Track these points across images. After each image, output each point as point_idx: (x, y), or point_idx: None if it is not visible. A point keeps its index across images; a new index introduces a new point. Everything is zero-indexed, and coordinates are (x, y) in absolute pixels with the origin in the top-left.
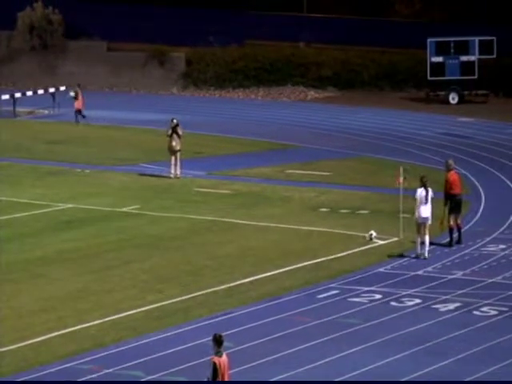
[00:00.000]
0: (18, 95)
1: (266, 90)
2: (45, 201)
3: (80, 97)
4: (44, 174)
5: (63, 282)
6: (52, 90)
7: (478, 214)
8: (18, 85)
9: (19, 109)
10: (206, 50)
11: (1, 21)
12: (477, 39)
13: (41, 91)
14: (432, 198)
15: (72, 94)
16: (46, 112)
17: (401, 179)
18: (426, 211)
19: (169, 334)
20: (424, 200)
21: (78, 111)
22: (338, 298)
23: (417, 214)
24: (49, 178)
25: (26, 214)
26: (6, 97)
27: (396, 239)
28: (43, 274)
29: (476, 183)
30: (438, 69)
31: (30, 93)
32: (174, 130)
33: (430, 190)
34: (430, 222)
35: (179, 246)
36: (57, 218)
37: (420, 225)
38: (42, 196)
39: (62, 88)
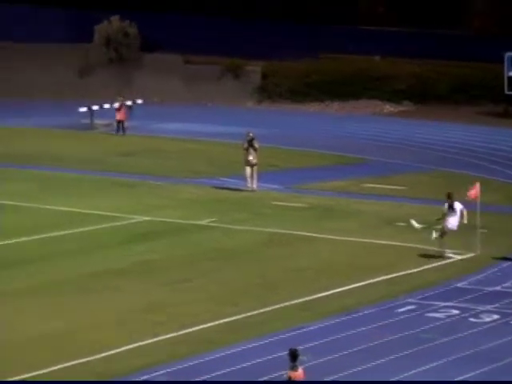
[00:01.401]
0: (95, 108)
1: (341, 104)
2: (120, 213)
3: (123, 108)
4: (119, 186)
5: (138, 295)
6: (128, 102)
7: None
8: (94, 97)
9: (96, 121)
10: (281, 64)
11: (78, 34)
12: None
13: (117, 104)
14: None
15: (116, 104)
16: (128, 124)
17: (473, 192)
18: (453, 222)
19: (244, 347)
20: (451, 212)
21: (120, 122)
22: (415, 313)
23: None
24: (124, 191)
25: (102, 226)
26: (83, 109)
27: (473, 254)
28: (118, 287)
29: None
30: None
31: (106, 105)
32: (250, 143)
33: (456, 204)
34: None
35: (254, 259)
36: (132, 231)
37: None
38: (117, 208)
39: (139, 101)
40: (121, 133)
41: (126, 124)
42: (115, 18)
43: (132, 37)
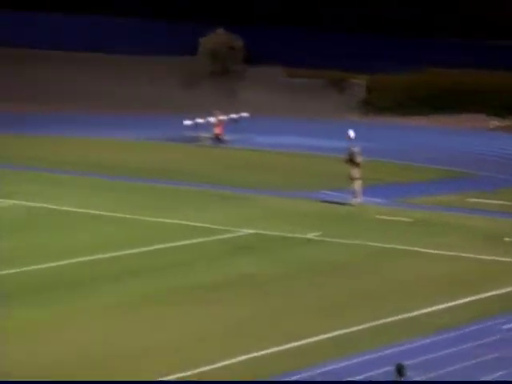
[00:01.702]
0: (199, 121)
1: (446, 117)
2: (225, 226)
3: (220, 121)
4: (223, 199)
5: (242, 308)
6: (233, 115)
7: None
8: (199, 110)
9: (201, 134)
10: (385, 77)
11: (183, 46)
12: None
13: (221, 117)
14: None
15: (212, 119)
16: (230, 138)
17: None
18: None
19: (349, 362)
20: None
21: (218, 135)
22: None
23: None
24: (228, 204)
25: (207, 239)
26: (188, 122)
27: None
28: (222, 299)
29: None
30: None
31: (211, 118)
32: (354, 157)
33: None
34: None
35: (358, 273)
36: (237, 243)
37: None
38: (221, 221)
39: (243, 114)
40: (220, 146)
41: (225, 137)
42: (220, 31)
43: (237, 49)
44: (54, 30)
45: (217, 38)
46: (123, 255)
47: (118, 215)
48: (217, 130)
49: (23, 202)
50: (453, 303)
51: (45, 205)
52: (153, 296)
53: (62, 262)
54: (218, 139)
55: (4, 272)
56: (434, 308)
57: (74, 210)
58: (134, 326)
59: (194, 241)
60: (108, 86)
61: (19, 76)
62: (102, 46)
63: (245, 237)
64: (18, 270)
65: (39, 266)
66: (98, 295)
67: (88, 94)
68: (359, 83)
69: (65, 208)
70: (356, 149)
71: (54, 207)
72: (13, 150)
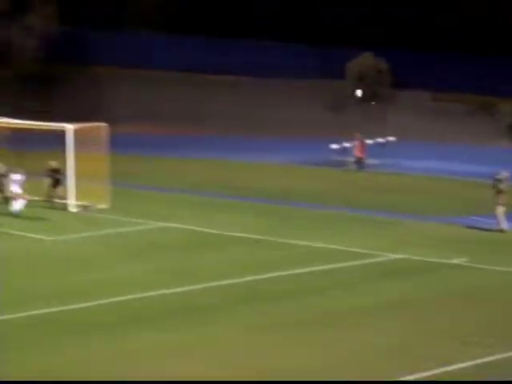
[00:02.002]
0: (346, 144)
1: None
2: (371, 250)
3: (361, 145)
4: (368, 223)
5: (393, 332)
6: (380, 139)
7: None
8: (346, 134)
9: (347, 158)
10: None
11: (330, 70)
12: None
13: (369, 141)
14: None
15: (354, 142)
16: (375, 162)
17: None
18: None
19: None
20: None
21: (359, 159)
22: None
23: None
24: (374, 227)
25: (353, 263)
26: (334, 146)
27: None
28: (371, 324)
29: None
30: None
31: (354, 142)
32: (499, 183)
33: None
34: None
35: (503, 300)
36: (384, 268)
37: None
38: (367, 245)
39: (391, 138)
40: (363, 169)
41: (367, 160)
42: (368, 55)
43: (383, 73)
44: (212, 53)
45: (364, 62)
46: (266, 278)
47: (264, 238)
48: (358, 154)
49: (173, 224)
50: None
51: (192, 227)
52: (299, 319)
53: (209, 284)
54: (360, 162)
55: (146, 294)
56: None
57: (222, 232)
58: (278, 349)
59: (342, 265)
60: (255, 109)
61: (176, 99)
62: (252, 69)
63: (393, 261)
64: (166, 292)
65: (181, 289)
66: (245, 317)
67: (236, 117)
68: (508, 108)
69: (213, 231)
70: (502, 175)
71: (201, 229)
72: (162, 172)
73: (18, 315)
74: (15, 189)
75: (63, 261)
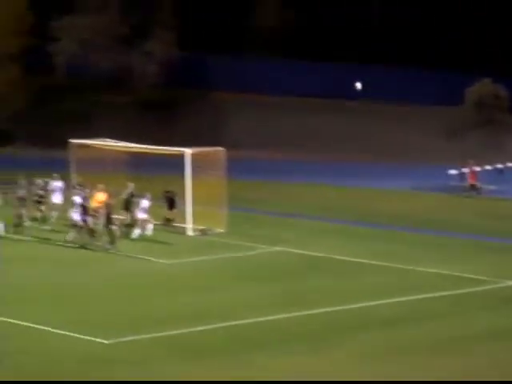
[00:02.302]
0: (464, 170)
1: None
2: (487, 277)
3: (472, 171)
4: (488, 249)
5: (500, 362)
6: (498, 165)
7: None
8: (463, 160)
9: (464, 184)
10: None
11: (448, 97)
12: None
13: (487, 167)
14: None
15: (467, 168)
16: (493, 188)
17: None
18: None
19: None
20: None
21: (472, 185)
22: None
23: None
24: (490, 254)
25: (469, 290)
26: (453, 172)
27: None
28: (488, 351)
29: None
30: None
31: (468, 168)
32: None
33: None
34: None
35: None
36: (503, 294)
37: None
38: (484, 272)
39: (510, 164)
40: (478, 195)
41: (481, 186)
42: (486, 81)
43: (502, 99)
44: (328, 77)
45: (482, 88)
46: (383, 304)
47: (381, 263)
48: (471, 180)
49: (290, 249)
50: None
51: (309, 252)
52: (418, 345)
53: (324, 309)
54: (473, 189)
55: (261, 318)
56: None
57: (338, 257)
58: (402, 374)
59: (460, 291)
60: (375, 135)
61: (294, 124)
62: (369, 94)
63: (504, 288)
64: (280, 316)
65: (295, 314)
66: (362, 343)
67: (353, 142)
68: None
69: (329, 255)
70: None
71: (318, 254)
72: (280, 197)
73: (135, 338)
74: (141, 215)
75: (179, 284)
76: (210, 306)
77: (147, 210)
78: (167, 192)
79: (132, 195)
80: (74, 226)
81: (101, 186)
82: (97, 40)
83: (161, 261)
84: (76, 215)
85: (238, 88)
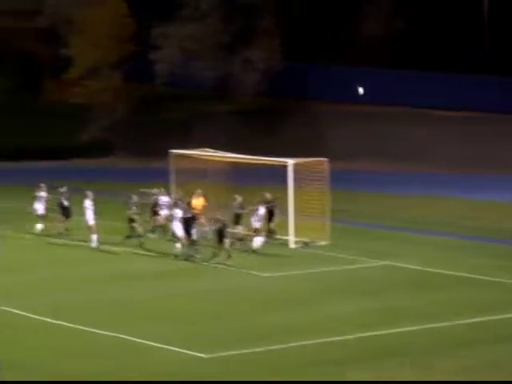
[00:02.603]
0: None
1: None
2: None
3: None
4: None
5: None
6: None
7: None
8: None
9: None
10: None
11: None
12: None
13: None
14: None
15: None
16: None
17: None
18: None
19: None
20: None
21: None
22: None
23: None
24: None
25: None
26: None
27: None
28: None
29: None
30: None
31: None
32: None
33: None
34: None
35: None
36: None
37: None
38: None
39: None
40: None
41: None
42: None
43: None
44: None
45: None
46: (491, 320)
47: (492, 279)
48: None
49: (393, 263)
50: None
51: (413, 266)
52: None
53: (423, 326)
54: None
55: (363, 334)
56: None
57: (444, 272)
58: None
59: None
60: (482, 146)
61: (395, 135)
62: (488, 105)
63: None
64: (380, 333)
65: (398, 330)
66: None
67: (460, 153)
68: None
69: (436, 270)
70: None
71: (422, 268)
72: (382, 209)
73: (234, 352)
74: (256, 223)
75: (279, 297)
76: (312, 320)
77: (261, 220)
78: (268, 203)
79: (241, 208)
80: (177, 239)
81: (199, 191)
82: (198, 48)
83: (263, 274)
84: (178, 229)
85: (340, 98)
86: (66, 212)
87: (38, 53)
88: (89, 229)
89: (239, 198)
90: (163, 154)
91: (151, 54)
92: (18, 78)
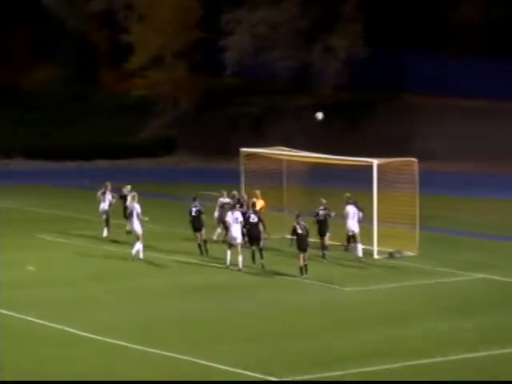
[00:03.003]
0: None
1: None
2: None
3: None
4: None
5: None
6: None
7: None
8: None
9: None
10: None
11: None
12: None
13: None
14: None
15: None
16: None
17: None
18: None
19: None
20: None
21: None
22: None
23: None
24: None
25: None
26: None
27: None
28: None
29: None
30: None
31: None
32: None
33: None
34: None
35: None
36: None
37: None
38: None
39: None
40: None
41: None
42: None
43: None
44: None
45: None
46: None
47: None
48: None
49: (491, 276)
50: None
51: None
52: None
53: None
54: None
55: (450, 357)
56: None
57: None
58: None
59: None
60: None
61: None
62: None
63: None
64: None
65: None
66: None
67: None
68: None
69: None
70: None
71: None
72: (479, 215)
73: (312, 377)
74: (355, 228)
75: (363, 315)
76: (400, 340)
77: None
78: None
79: (327, 214)
80: (232, 245)
81: (257, 191)
82: (273, 35)
83: (346, 289)
84: (237, 233)
85: (433, 91)
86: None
87: (94, 40)
88: (137, 237)
89: (324, 201)
90: (232, 154)
91: (220, 42)
92: (72, 68)
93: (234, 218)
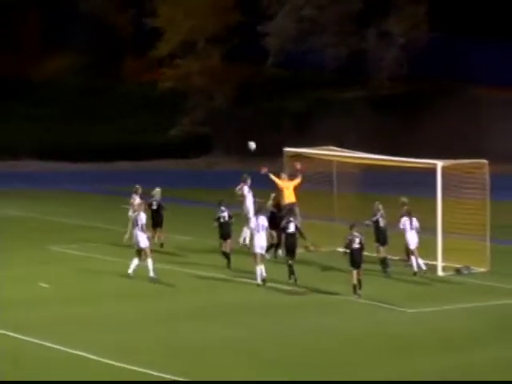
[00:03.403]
0: None
1: None
2: None
3: None
4: None
5: None
6: None
7: None
8: None
9: None
10: None
11: None
12: None
13: None
14: None
15: None
16: None
17: None
18: None
19: None
20: None
21: None
22: None
23: None
24: None
25: None
26: None
27: None
28: None
29: None
30: None
31: None
32: None
33: None
34: None
35: None
36: None
37: None
38: None
39: None
40: None
41: None
42: None
43: None
44: None
45: None
46: None
47: None
48: None
49: None
50: None
51: None
52: None
53: None
54: None
55: None
56: None
57: None
58: None
59: None
60: None
61: None
62: None
63: None
64: None
65: None
66: None
67: None
68: None
69: None
70: None
71: None
72: None
73: None
74: (414, 242)
75: (430, 340)
76: (463, 369)
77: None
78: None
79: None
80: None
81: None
82: (320, 19)
83: (409, 310)
84: (262, 241)
85: (506, 82)
86: (157, 220)
87: (115, 24)
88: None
89: (378, 207)
90: (274, 154)
91: (260, 26)
92: (89, 57)
93: (259, 225)
